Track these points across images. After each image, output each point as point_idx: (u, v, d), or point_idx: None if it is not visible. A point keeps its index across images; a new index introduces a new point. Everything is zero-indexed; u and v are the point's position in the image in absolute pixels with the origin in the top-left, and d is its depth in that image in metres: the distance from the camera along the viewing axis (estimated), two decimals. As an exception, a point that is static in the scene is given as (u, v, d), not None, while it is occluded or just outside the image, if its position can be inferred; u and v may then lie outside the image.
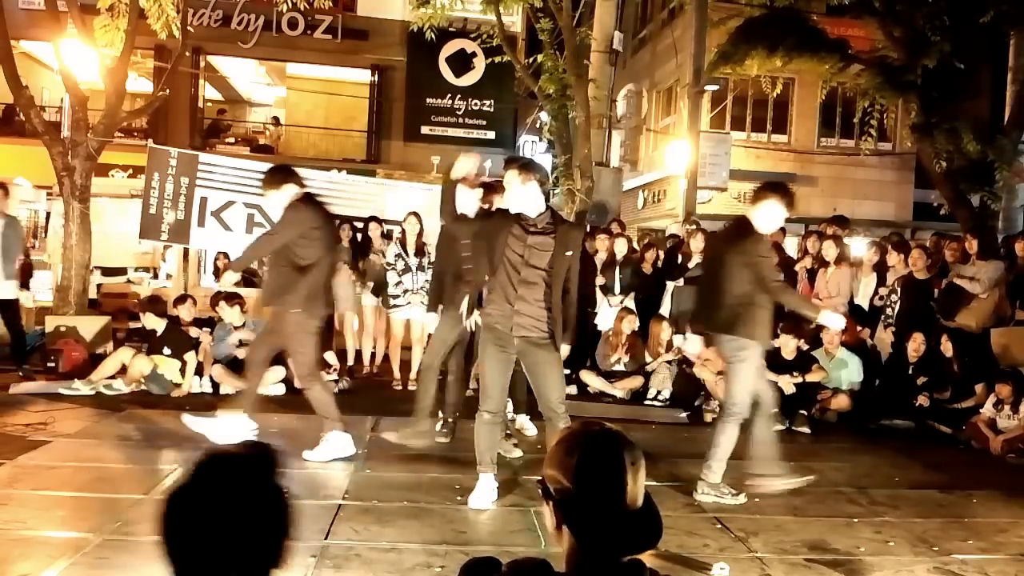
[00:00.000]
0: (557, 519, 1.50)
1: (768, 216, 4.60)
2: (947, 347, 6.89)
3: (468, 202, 5.01)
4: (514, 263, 4.17)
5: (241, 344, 7.22)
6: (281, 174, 5.12)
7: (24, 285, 7.93)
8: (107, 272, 11.30)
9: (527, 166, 4.32)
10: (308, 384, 5.05)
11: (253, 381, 5.15)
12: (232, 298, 7.54)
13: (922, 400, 6.78)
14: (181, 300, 7.75)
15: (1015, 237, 8.12)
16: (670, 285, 8.67)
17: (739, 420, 4.54)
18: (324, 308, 5.08)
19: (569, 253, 4.22)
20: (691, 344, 4.62)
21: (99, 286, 10.70)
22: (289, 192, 4.98)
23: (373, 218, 8.84)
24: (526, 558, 1.60)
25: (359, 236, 8.58)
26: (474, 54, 17.62)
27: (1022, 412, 6.10)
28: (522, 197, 4.19)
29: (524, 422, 5.93)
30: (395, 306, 7.68)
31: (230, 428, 4.78)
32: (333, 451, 4.93)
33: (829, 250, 7.70)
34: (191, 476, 1.29)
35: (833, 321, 4.79)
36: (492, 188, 5.48)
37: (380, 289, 8.05)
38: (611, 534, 1.47)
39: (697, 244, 8.71)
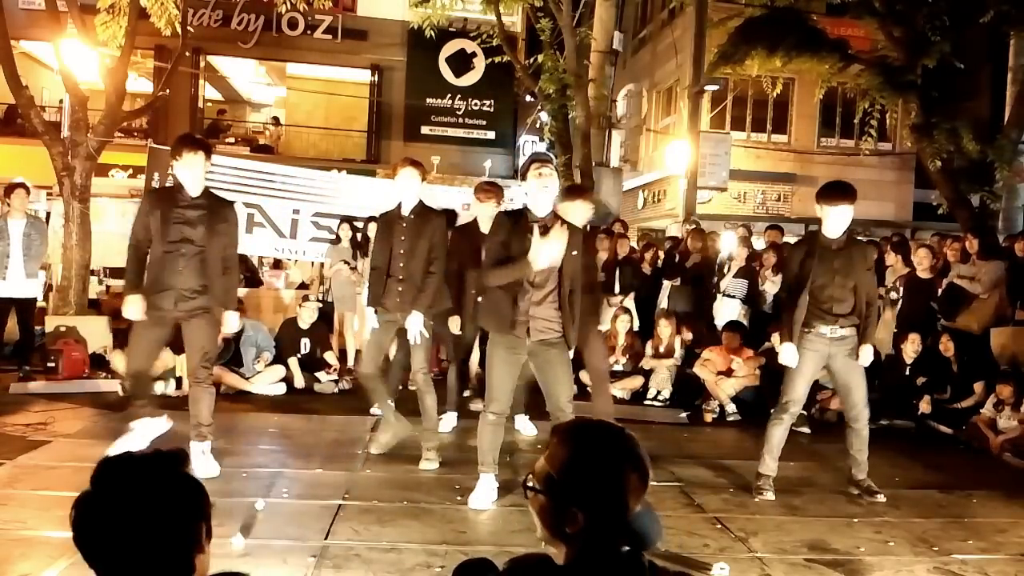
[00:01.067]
0: (543, 519, 1.51)
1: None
2: (947, 347, 6.89)
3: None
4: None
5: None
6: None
7: None
8: (114, 273, 11.30)
9: (549, 161, 4.40)
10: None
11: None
12: None
13: (924, 406, 6.78)
14: None
15: (1016, 237, 8.12)
16: (666, 284, 8.69)
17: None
18: (164, 299, 4.52)
19: (575, 253, 4.22)
20: (788, 355, 4.59)
21: (108, 287, 10.71)
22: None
23: (372, 218, 8.84)
24: (527, 554, 1.59)
25: (359, 236, 8.58)
26: (474, 54, 17.63)
27: (1023, 412, 6.10)
28: (544, 198, 4.21)
29: (523, 423, 5.90)
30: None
31: (147, 434, 4.55)
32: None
33: None
34: (92, 482, 1.35)
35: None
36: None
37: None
38: (606, 535, 1.45)
39: (695, 244, 8.73)
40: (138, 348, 4.64)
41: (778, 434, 4.70)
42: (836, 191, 4.63)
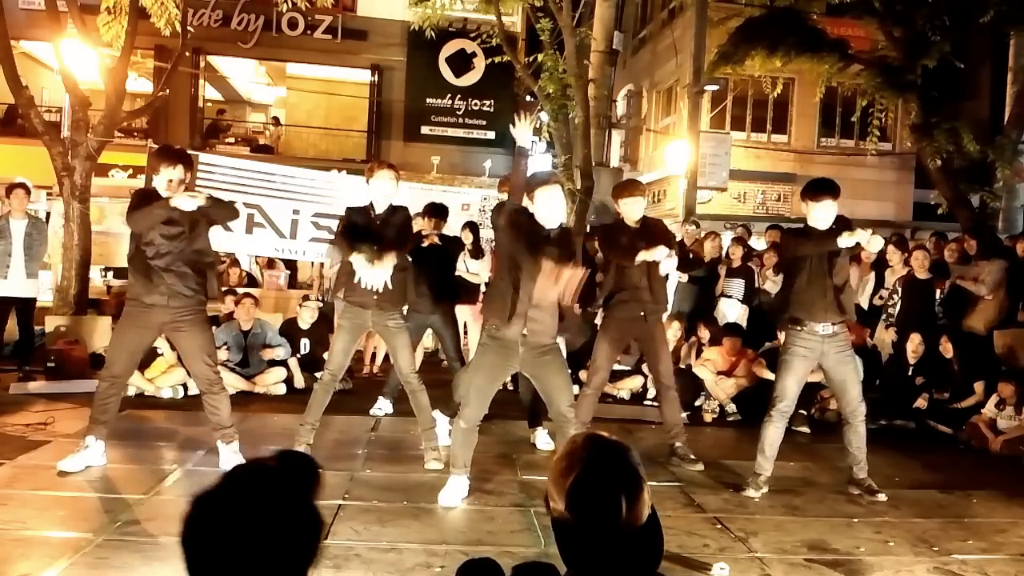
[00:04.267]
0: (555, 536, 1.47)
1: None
2: (947, 348, 6.89)
3: None
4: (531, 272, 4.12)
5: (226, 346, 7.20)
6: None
7: None
8: (118, 273, 11.30)
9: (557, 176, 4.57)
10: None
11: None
12: (249, 296, 7.51)
13: (921, 402, 6.78)
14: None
15: (1017, 238, 8.12)
16: (672, 284, 8.64)
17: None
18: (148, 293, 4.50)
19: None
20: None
21: (109, 287, 10.71)
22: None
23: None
24: (532, 563, 1.57)
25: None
26: (474, 54, 17.61)
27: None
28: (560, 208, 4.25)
29: (542, 437, 5.64)
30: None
31: (94, 457, 4.57)
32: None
33: None
34: (221, 483, 1.25)
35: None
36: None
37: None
38: (605, 561, 1.40)
39: (712, 244, 8.72)
40: (120, 348, 4.59)
41: (771, 433, 4.71)
42: (819, 187, 4.74)
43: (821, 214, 4.66)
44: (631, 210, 5.25)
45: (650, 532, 1.44)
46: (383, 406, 6.42)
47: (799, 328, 4.65)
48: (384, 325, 4.94)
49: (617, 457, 1.45)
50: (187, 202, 4.31)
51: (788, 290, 4.79)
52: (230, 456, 4.62)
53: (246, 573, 1.20)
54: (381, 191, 4.88)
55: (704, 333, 7.73)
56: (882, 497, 4.64)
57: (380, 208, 4.89)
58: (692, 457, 5.21)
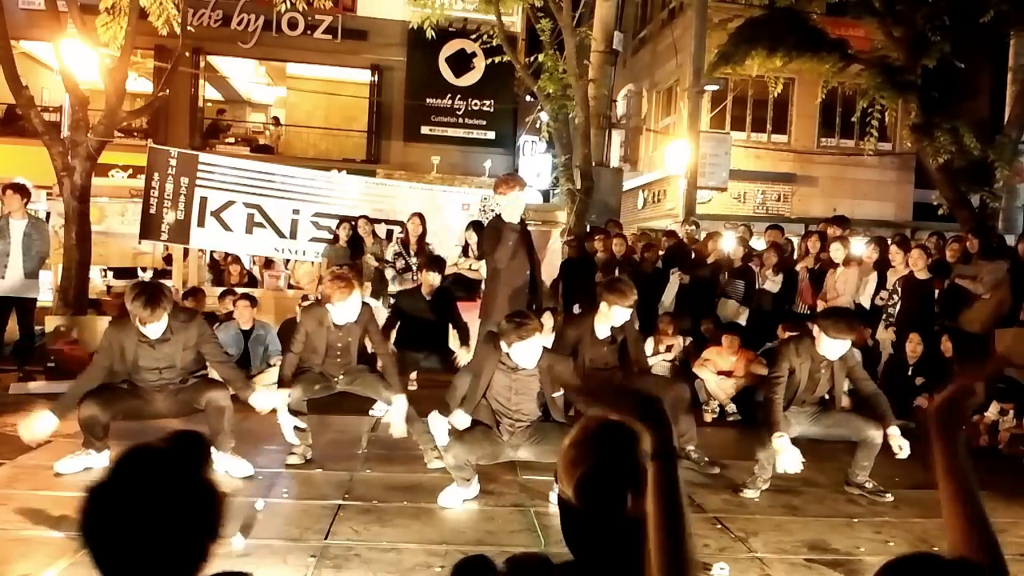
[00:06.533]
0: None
1: None
2: (946, 347, 6.89)
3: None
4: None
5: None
6: None
7: None
8: (118, 273, 11.30)
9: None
10: None
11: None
12: (245, 298, 7.50)
13: (921, 402, 6.77)
14: (191, 293, 7.70)
15: (1019, 239, 8.11)
16: (673, 284, 8.65)
17: None
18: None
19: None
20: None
21: (109, 288, 10.71)
22: None
23: (364, 217, 8.85)
24: (525, 554, 1.59)
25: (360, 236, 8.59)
26: (474, 54, 17.62)
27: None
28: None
29: None
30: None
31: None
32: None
33: (837, 252, 7.70)
34: (112, 471, 1.26)
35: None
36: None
37: (379, 290, 8.05)
38: (609, 547, 1.45)
39: (714, 245, 8.73)
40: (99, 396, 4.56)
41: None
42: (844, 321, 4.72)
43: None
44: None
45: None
46: (383, 406, 6.41)
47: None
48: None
49: (626, 450, 1.48)
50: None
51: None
52: (228, 460, 4.61)
53: (148, 554, 1.21)
54: (342, 312, 4.88)
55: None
56: (889, 497, 4.64)
57: (340, 320, 4.94)
58: (707, 460, 5.23)
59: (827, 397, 4.91)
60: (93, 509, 1.24)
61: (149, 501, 1.22)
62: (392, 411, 4.91)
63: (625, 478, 1.45)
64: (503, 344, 4.23)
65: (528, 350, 4.20)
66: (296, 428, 4.83)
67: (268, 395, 4.76)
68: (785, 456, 4.39)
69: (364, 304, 5.07)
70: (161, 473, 1.25)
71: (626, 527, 1.44)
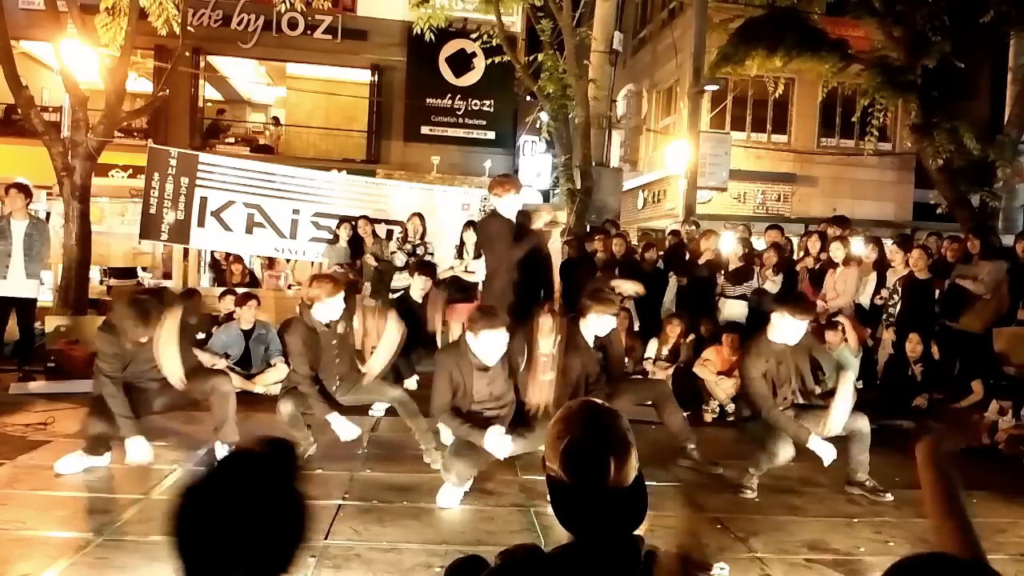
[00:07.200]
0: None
1: None
2: (935, 350, 6.95)
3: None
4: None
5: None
6: None
7: None
8: (118, 273, 11.32)
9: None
10: None
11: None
12: (247, 299, 7.51)
13: (920, 402, 6.79)
14: (188, 295, 7.72)
15: (1018, 238, 8.11)
16: (673, 284, 8.64)
17: None
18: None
19: None
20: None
21: (109, 287, 10.73)
22: None
23: (364, 217, 8.86)
24: (517, 545, 1.63)
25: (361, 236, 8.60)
26: (474, 54, 17.61)
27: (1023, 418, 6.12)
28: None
29: None
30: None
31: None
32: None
33: (837, 251, 7.70)
34: (208, 473, 1.27)
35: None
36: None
37: (379, 290, 8.06)
38: (594, 516, 1.51)
39: (707, 244, 8.72)
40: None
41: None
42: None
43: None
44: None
45: (636, 493, 1.55)
46: (382, 406, 6.42)
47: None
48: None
49: (608, 422, 1.58)
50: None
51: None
52: (227, 452, 4.62)
53: (238, 558, 1.21)
54: (326, 310, 4.87)
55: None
56: (889, 497, 4.64)
57: (325, 318, 4.94)
58: (710, 462, 5.21)
59: (799, 397, 4.89)
60: (189, 509, 1.24)
61: (247, 505, 1.23)
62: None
63: (608, 446, 1.54)
64: (468, 336, 4.30)
65: (493, 342, 4.30)
66: (296, 428, 4.84)
67: (348, 425, 4.75)
68: (826, 452, 4.55)
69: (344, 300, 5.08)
70: (259, 479, 1.27)
71: (610, 495, 1.51)
